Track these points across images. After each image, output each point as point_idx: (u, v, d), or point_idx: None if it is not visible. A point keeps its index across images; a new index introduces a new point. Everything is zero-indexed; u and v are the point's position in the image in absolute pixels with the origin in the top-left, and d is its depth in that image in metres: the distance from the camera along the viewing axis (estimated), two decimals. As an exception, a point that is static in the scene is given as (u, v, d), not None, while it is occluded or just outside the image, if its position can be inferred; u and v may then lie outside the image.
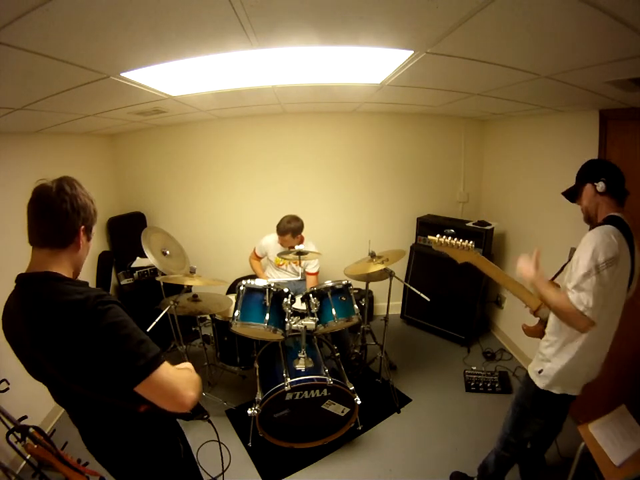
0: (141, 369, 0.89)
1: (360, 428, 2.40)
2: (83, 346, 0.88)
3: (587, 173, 1.53)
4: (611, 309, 1.39)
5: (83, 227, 0.99)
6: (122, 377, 0.90)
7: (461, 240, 1.43)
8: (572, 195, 1.59)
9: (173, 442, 1.17)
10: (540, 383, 1.55)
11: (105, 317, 0.88)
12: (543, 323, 1.61)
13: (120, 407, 0.99)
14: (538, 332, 1.65)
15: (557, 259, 1.68)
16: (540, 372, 1.55)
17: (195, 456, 1.29)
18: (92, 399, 0.96)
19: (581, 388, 1.53)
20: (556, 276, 1.65)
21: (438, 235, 1.44)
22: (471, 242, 1.44)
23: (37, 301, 0.91)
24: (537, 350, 1.62)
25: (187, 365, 1.09)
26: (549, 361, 1.52)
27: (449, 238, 1.42)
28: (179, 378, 0.95)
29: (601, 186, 1.44)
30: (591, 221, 1.52)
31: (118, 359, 0.89)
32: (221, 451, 1.31)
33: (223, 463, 1.33)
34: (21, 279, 0.97)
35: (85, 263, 1.09)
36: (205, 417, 1.10)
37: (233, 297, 2.62)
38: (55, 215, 0.94)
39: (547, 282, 1.46)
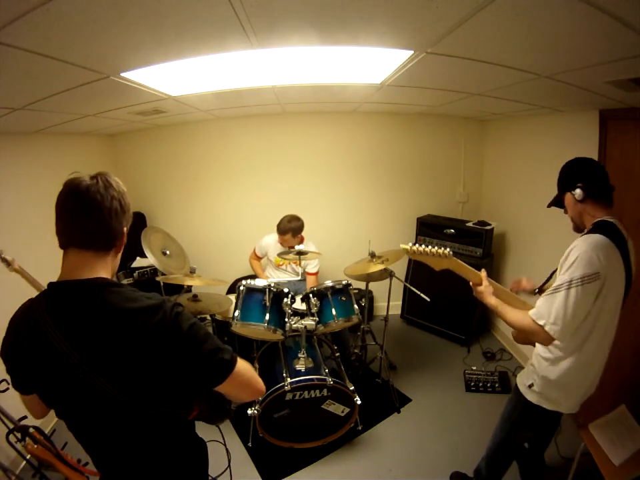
0: (229, 362, 0.89)
1: (360, 428, 2.40)
2: (163, 352, 0.82)
3: (563, 182, 1.40)
4: (605, 322, 1.31)
5: (125, 228, 0.92)
6: (208, 375, 0.89)
7: (437, 247, 1.30)
8: (560, 204, 1.47)
9: (204, 445, 1.14)
10: (531, 397, 1.48)
11: (183, 319, 0.85)
12: None
13: (173, 416, 0.93)
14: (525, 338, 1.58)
15: (557, 259, 1.67)
16: (530, 386, 1.48)
17: None
18: (146, 413, 0.87)
19: (578, 405, 1.46)
20: (544, 284, 1.58)
21: (410, 243, 1.29)
22: (448, 249, 1.31)
23: (104, 311, 0.80)
24: (529, 361, 1.54)
25: None
26: (540, 375, 1.44)
27: (423, 246, 1.28)
28: (248, 365, 0.97)
29: (578, 193, 1.32)
30: (580, 230, 1.41)
31: (205, 358, 0.87)
32: (228, 454, 1.32)
33: (230, 468, 1.35)
34: (60, 287, 0.83)
35: None
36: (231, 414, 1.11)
37: (233, 297, 2.61)
38: (104, 213, 0.84)
39: (506, 300, 1.41)
